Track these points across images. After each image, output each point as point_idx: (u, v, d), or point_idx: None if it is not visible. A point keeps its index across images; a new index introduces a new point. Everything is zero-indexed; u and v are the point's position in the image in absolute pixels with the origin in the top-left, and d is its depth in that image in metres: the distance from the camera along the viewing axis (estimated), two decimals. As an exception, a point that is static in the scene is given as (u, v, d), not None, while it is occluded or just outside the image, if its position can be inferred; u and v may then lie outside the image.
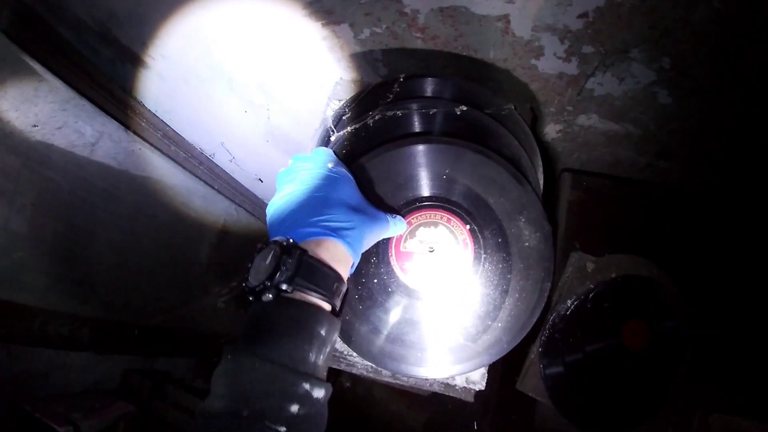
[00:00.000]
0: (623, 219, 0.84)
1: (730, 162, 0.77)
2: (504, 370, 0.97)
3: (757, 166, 0.75)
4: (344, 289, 0.48)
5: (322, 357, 0.44)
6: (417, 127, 0.56)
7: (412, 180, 0.55)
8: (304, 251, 0.44)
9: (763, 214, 0.80)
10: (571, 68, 0.65)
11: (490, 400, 1.06)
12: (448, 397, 0.65)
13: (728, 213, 0.83)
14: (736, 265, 0.80)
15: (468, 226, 0.54)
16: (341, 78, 0.78)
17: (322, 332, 0.44)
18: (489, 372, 0.63)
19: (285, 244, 0.44)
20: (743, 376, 0.77)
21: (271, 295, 0.42)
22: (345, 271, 0.48)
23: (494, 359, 0.55)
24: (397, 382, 0.63)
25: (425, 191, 0.55)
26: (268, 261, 0.44)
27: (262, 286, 0.43)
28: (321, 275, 0.45)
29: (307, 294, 0.44)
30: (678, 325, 0.78)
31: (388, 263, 0.55)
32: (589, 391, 0.78)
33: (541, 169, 0.64)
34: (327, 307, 0.45)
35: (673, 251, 0.81)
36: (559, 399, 0.78)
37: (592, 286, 0.79)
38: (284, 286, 0.42)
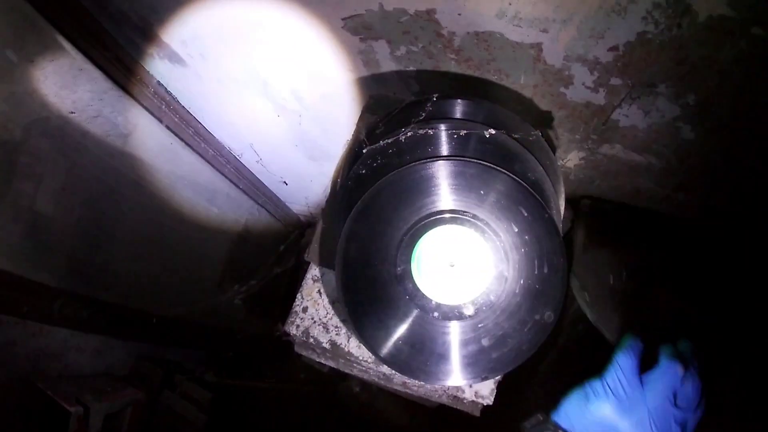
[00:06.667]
0: (639, 250, 0.85)
1: (748, 198, 0.77)
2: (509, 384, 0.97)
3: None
4: None
5: None
6: (446, 146, 0.58)
7: (435, 194, 0.57)
8: None
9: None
10: (599, 98, 0.67)
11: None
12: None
13: (743, 247, 0.83)
14: (748, 298, 0.81)
15: (489, 244, 0.56)
16: (374, 92, 0.81)
17: None
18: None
19: None
20: (755, 406, 0.77)
21: None
22: None
23: (505, 371, 0.57)
24: (407, 391, 0.65)
25: (449, 205, 0.57)
26: None
27: None
28: None
29: None
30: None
31: (410, 276, 0.57)
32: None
33: (563, 196, 0.65)
34: None
35: (688, 283, 0.81)
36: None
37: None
38: None
